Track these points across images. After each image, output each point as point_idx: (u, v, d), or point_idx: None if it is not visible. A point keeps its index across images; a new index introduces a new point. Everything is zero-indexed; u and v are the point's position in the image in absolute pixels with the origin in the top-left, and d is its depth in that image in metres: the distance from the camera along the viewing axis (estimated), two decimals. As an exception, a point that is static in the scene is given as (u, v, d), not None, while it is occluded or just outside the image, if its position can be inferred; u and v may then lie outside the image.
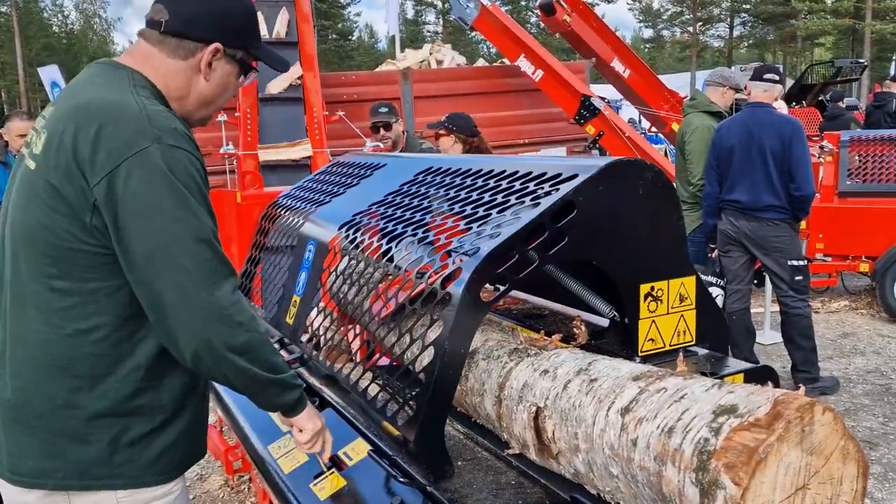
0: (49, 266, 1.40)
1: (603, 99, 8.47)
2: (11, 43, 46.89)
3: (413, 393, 1.66)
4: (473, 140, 4.21)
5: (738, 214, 4.51)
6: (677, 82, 21.51)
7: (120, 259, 1.38)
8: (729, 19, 50.85)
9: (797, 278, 4.43)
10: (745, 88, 4.67)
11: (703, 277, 4.67)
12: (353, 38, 57.33)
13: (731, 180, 4.51)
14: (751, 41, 52.51)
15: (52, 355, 1.42)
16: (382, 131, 4.65)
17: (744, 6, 49.43)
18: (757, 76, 4.58)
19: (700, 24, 50.30)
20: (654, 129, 11.97)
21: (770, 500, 1.18)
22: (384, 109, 4.65)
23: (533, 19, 46.68)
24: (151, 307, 1.39)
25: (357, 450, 1.88)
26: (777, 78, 4.57)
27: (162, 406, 1.50)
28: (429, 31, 55.14)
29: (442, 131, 4.21)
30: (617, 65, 9.98)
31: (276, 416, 1.77)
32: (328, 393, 2.19)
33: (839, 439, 1.24)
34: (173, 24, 1.51)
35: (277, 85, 6.86)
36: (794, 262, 4.43)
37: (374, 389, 1.87)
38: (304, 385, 1.64)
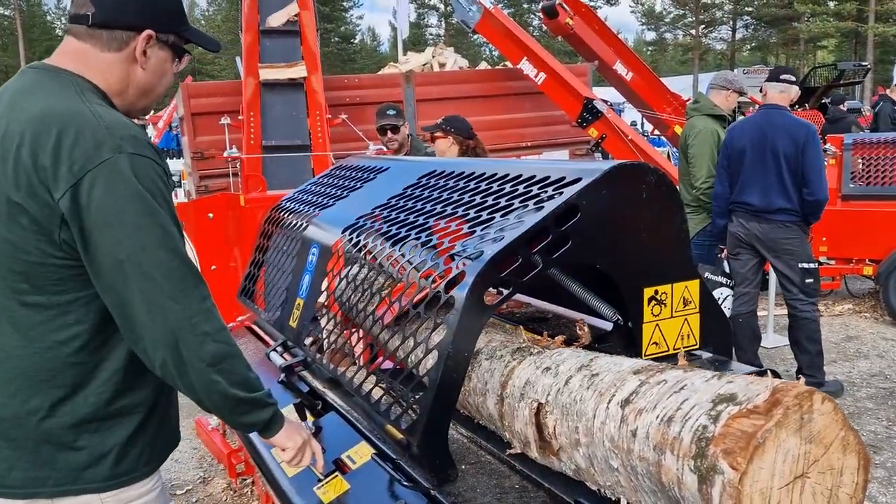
0: (20, 282, 1.39)
1: (605, 102, 8.47)
2: (15, 46, 47.04)
3: (416, 396, 1.67)
4: (470, 142, 4.22)
5: (748, 216, 4.50)
6: (680, 85, 21.47)
7: (88, 269, 1.37)
8: (731, 22, 50.84)
9: (807, 281, 4.42)
10: (762, 90, 4.68)
11: (713, 277, 4.67)
12: (356, 42, 57.41)
13: (743, 182, 4.49)
14: (753, 44, 52.48)
15: (33, 369, 1.42)
16: (390, 134, 4.65)
17: (746, 9, 49.38)
18: (773, 77, 4.57)
19: (702, 26, 50.27)
20: (656, 132, 11.96)
21: (768, 487, 1.17)
22: (392, 112, 4.64)
23: (535, 22, 46.70)
24: (119, 315, 1.39)
25: (360, 453, 1.88)
26: (793, 79, 4.56)
27: (141, 404, 1.51)
28: (431, 35, 55.22)
29: (439, 133, 4.22)
30: (619, 67, 9.98)
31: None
32: (331, 396, 2.20)
33: (839, 429, 1.23)
34: (101, 16, 1.47)
35: (277, 19, 7.55)
36: (805, 265, 4.43)
37: (377, 393, 1.87)
38: (277, 403, 1.62)
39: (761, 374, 1.90)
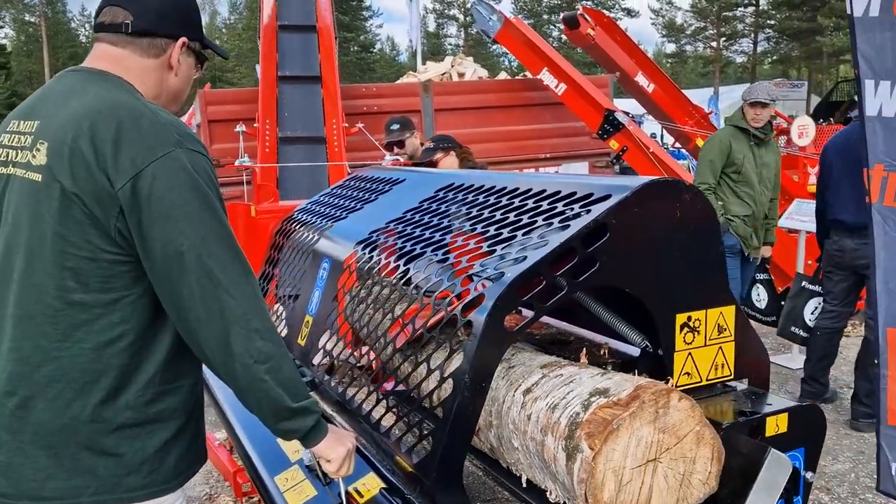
0: (68, 280, 1.37)
1: (626, 114, 8.33)
2: (39, 52, 47.75)
3: (430, 427, 1.55)
4: (462, 150, 4.25)
5: (842, 234, 4.39)
6: (699, 98, 21.23)
7: (143, 260, 1.37)
8: (753, 35, 50.45)
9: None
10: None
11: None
12: (375, 51, 57.62)
13: (835, 198, 4.42)
14: (775, 57, 52.05)
15: (76, 371, 1.38)
16: (396, 149, 4.61)
17: (768, 22, 49.01)
18: None
19: (723, 39, 49.95)
20: (677, 144, 11.80)
21: (621, 466, 1.39)
22: (395, 127, 4.60)
23: (555, 33, 46.64)
24: (173, 306, 1.39)
25: (368, 485, 1.76)
26: None
27: (177, 410, 1.49)
28: (450, 44, 55.32)
29: (439, 154, 4.14)
30: (641, 79, 9.84)
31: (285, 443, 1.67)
32: (339, 420, 2.08)
33: (694, 425, 1.46)
34: (142, 24, 1.52)
35: None
36: None
37: (388, 421, 1.75)
38: (321, 412, 1.54)
39: (803, 410, 1.76)
